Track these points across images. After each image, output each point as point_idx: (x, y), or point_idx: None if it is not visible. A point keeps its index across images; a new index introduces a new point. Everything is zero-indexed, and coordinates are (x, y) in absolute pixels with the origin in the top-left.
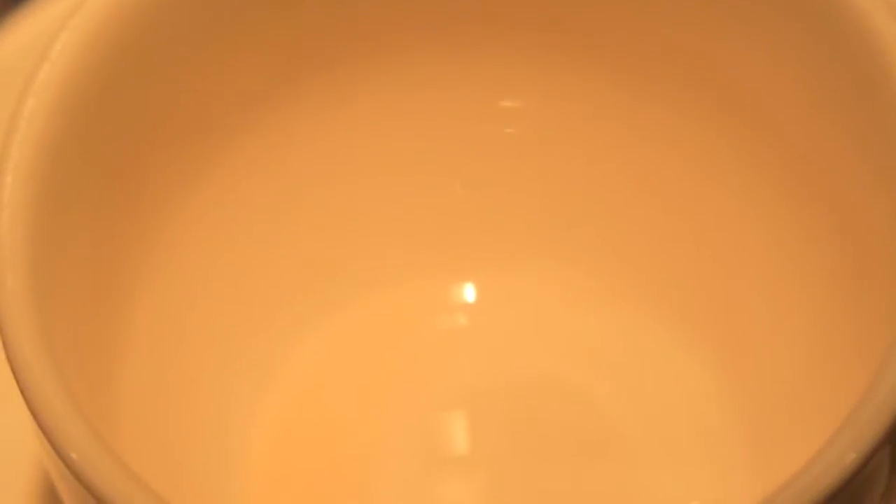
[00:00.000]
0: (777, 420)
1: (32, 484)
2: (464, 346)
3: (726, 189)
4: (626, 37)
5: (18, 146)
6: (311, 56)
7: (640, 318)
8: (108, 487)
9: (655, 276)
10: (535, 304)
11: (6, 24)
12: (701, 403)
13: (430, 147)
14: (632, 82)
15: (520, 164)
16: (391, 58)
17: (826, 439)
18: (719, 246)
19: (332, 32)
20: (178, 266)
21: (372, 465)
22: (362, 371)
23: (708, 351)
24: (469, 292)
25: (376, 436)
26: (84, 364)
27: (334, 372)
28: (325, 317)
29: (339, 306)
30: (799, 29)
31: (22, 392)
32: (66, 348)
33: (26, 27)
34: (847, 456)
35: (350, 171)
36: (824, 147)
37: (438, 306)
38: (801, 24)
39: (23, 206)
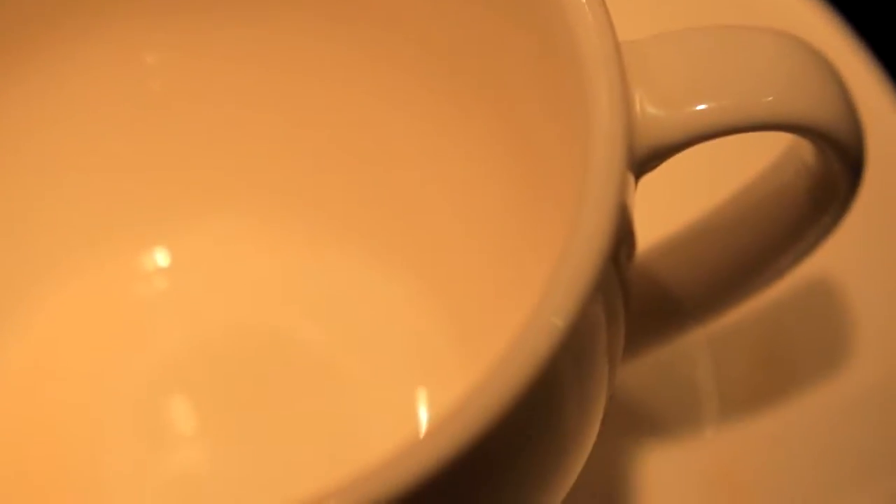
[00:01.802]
0: (484, 318)
1: None
2: (169, 309)
3: (403, 112)
4: None
5: None
6: None
7: (338, 257)
8: None
9: (342, 209)
10: (228, 259)
11: None
12: (409, 321)
13: (85, 123)
14: (273, 19)
15: (177, 119)
16: (29, 55)
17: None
18: (403, 170)
19: None
20: None
21: (99, 442)
22: (74, 353)
23: (410, 273)
24: (161, 257)
25: (101, 413)
26: None
27: (48, 360)
28: (35, 304)
29: (44, 291)
30: None
31: None
32: None
33: None
34: (551, 322)
35: (14, 168)
36: (498, 69)
37: (137, 275)
38: None
39: None
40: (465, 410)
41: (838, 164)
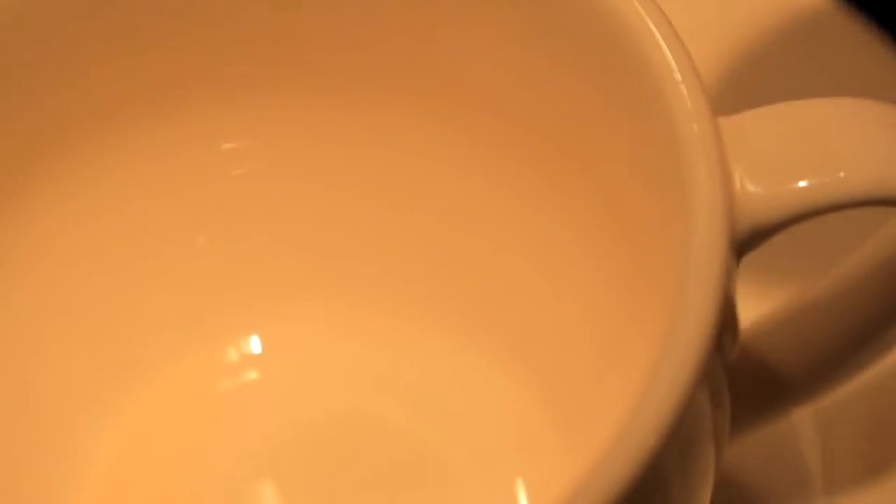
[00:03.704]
0: (582, 403)
1: None
2: (260, 398)
3: (496, 190)
4: (336, 52)
5: None
6: (41, 150)
7: (432, 340)
8: None
9: (434, 291)
10: (318, 345)
11: None
12: (507, 406)
13: (166, 210)
14: (352, 99)
15: (259, 204)
16: (108, 137)
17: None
18: (497, 250)
19: (44, 126)
20: None
21: None
22: (163, 445)
23: (506, 355)
24: (251, 345)
25: (194, 501)
26: None
27: (136, 452)
28: (121, 398)
29: (131, 385)
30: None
31: None
32: None
33: None
34: (655, 416)
35: (95, 254)
36: (595, 149)
37: (225, 365)
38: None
39: None
40: None
41: None
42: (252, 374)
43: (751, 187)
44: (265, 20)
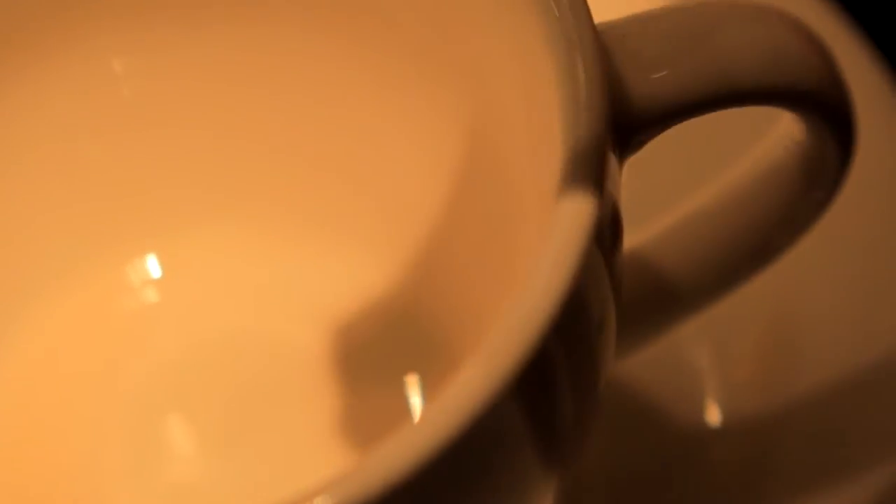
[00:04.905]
0: (477, 306)
1: None
2: (162, 320)
3: (386, 109)
4: None
5: None
6: None
7: (328, 256)
8: None
9: (334, 213)
10: (215, 266)
11: None
12: (404, 314)
13: (59, 134)
14: (239, 13)
15: (147, 123)
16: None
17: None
18: (392, 168)
19: None
20: None
21: (95, 459)
22: (66, 369)
23: (402, 265)
24: (152, 268)
25: (96, 429)
26: None
27: (39, 379)
28: (20, 322)
29: (29, 309)
30: None
31: None
32: None
33: None
34: (536, 305)
35: None
36: (474, 42)
37: (125, 287)
38: None
39: None
40: (454, 398)
41: (829, 138)
42: (155, 296)
43: (632, 86)
44: None
